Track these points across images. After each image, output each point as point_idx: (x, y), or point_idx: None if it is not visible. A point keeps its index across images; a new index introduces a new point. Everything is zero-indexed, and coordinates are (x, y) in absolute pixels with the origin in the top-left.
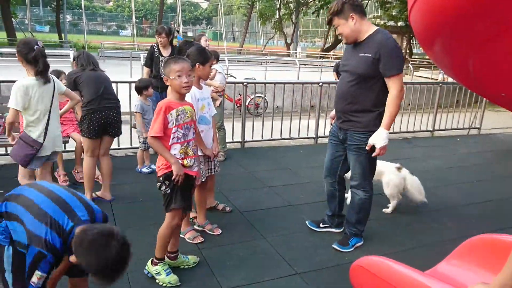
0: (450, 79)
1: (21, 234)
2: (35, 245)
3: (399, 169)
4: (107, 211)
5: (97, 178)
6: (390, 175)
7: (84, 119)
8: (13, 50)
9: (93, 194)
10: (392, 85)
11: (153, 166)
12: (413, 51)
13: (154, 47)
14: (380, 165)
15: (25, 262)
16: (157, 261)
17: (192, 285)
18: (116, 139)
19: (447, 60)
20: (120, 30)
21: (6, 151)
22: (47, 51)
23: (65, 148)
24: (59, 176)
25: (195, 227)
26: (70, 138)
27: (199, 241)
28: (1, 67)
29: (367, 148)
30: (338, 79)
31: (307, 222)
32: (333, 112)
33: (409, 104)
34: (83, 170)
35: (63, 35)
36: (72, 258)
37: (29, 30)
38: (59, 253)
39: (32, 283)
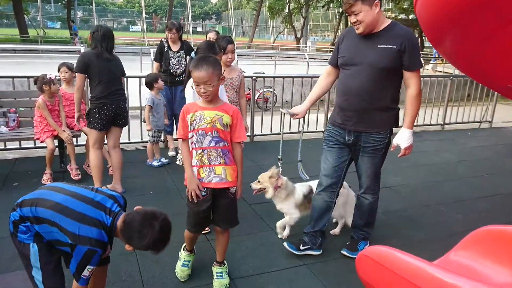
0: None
1: (58, 235)
2: (83, 244)
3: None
4: None
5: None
6: (341, 194)
7: (93, 111)
8: (26, 46)
9: (104, 187)
10: (414, 80)
11: (163, 160)
12: (425, 44)
13: (164, 42)
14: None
15: (53, 256)
16: (184, 246)
17: (202, 274)
18: (126, 133)
19: (453, 51)
20: (130, 26)
21: (20, 145)
22: (58, 47)
23: (77, 142)
24: (72, 170)
25: None
26: (82, 132)
27: (206, 231)
28: (14, 63)
29: (391, 149)
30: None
31: (285, 244)
32: (299, 108)
33: None
34: (90, 163)
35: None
36: (127, 246)
37: (41, 27)
38: (106, 246)
39: (83, 276)
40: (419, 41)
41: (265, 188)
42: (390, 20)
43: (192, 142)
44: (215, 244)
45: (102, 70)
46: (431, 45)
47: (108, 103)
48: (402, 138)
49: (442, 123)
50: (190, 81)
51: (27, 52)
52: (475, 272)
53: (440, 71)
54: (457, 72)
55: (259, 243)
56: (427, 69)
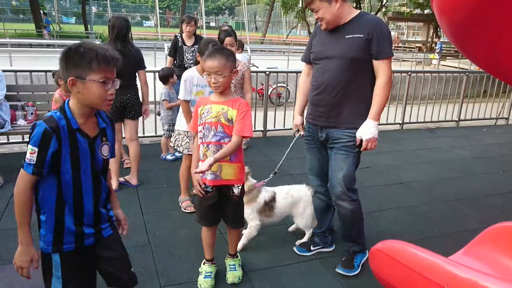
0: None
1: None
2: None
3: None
4: (132, 195)
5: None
6: (306, 202)
7: None
8: (42, 41)
9: (120, 179)
10: (383, 69)
11: (177, 154)
12: (441, 40)
13: (178, 37)
14: (293, 193)
15: (78, 271)
16: (204, 261)
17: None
18: (140, 127)
19: (471, 46)
20: (144, 21)
21: None
22: (73, 41)
23: None
24: None
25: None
26: None
27: (190, 211)
28: (30, 58)
29: (357, 142)
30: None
31: (294, 249)
32: (298, 122)
33: (434, 94)
34: None
35: (88, 26)
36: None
37: (56, 22)
38: (55, 122)
39: (26, 160)
40: (433, 37)
41: None
42: (358, 11)
43: (200, 137)
44: (228, 238)
45: None
46: (446, 41)
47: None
48: (364, 129)
49: (457, 119)
50: (186, 72)
51: (43, 46)
52: (490, 267)
53: (456, 67)
54: (473, 67)
55: (271, 237)
56: (443, 65)
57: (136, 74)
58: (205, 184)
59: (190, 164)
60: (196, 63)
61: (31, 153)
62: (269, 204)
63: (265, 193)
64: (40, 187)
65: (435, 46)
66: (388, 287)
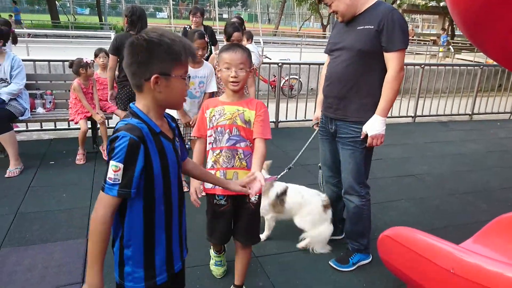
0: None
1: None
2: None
3: (325, 208)
4: None
5: None
6: (313, 209)
7: (118, 91)
8: (58, 31)
9: None
10: (392, 62)
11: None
12: (455, 33)
13: (187, 29)
14: (305, 194)
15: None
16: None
17: (226, 252)
18: None
19: (483, 38)
20: (157, 12)
21: (55, 126)
22: (88, 32)
23: (108, 124)
24: (104, 150)
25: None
26: (114, 115)
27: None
28: (47, 48)
29: (362, 136)
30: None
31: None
32: (317, 115)
33: (447, 87)
34: None
35: (103, 17)
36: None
37: (71, 13)
38: (137, 129)
39: (108, 180)
40: (449, 30)
41: None
42: (374, 0)
43: (210, 142)
44: (235, 262)
45: None
46: (461, 34)
47: (128, 84)
48: (370, 125)
49: (470, 113)
50: None
51: (59, 37)
52: (499, 255)
53: (471, 60)
54: (488, 61)
55: (284, 224)
56: (457, 58)
57: None
58: (217, 195)
59: None
60: None
61: (115, 171)
62: (280, 198)
63: (277, 187)
64: (127, 215)
65: (439, 40)
66: (396, 273)
